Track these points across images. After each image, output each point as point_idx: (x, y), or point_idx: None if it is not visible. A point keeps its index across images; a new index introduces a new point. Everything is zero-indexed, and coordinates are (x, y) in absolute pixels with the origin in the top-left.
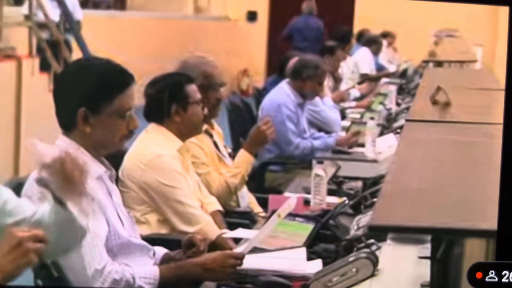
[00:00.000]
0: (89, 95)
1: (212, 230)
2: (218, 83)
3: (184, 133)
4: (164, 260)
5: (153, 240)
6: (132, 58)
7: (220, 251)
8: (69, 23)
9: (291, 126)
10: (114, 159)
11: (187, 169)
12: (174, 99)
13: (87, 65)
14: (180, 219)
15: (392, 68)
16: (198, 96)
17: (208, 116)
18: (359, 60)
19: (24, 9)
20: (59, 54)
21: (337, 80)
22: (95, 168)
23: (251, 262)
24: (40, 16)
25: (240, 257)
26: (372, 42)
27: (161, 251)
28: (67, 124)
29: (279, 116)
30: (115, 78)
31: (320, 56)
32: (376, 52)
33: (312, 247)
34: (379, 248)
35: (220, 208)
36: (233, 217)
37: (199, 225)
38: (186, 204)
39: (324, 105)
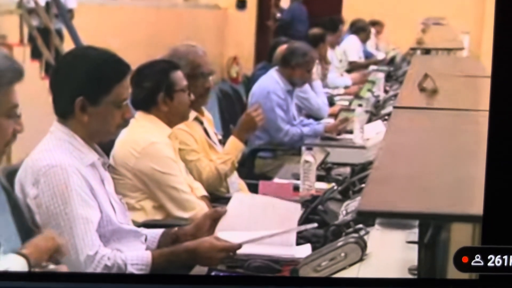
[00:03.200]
0: (87, 85)
1: None
2: (207, 72)
3: (172, 120)
4: (163, 237)
5: (149, 226)
6: (123, 46)
7: (213, 237)
8: (59, 11)
9: (280, 113)
10: (103, 146)
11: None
12: (160, 88)
13: (84, 54)
14: (175, 205)
15: (380, 56)
16: (184, 83)
17: (197, 104)
18: (347, 48)
19: None
20: (50, 42)
21: (326, 64)
22: (88, 155)
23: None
24: (31, 4)
25: (233, 249)
26: (361, 30)
27: (157, 231)
28: (64, 113)
29: (268, 103)
30: (112, 68)
31: (314, 45)
32: (364, 39)
33: (301, 232)
34: (367, 233)
35: (205, 193)
36: (223, 203)
37: (194, 211)
38: (181, 190)
39: (314, 90)
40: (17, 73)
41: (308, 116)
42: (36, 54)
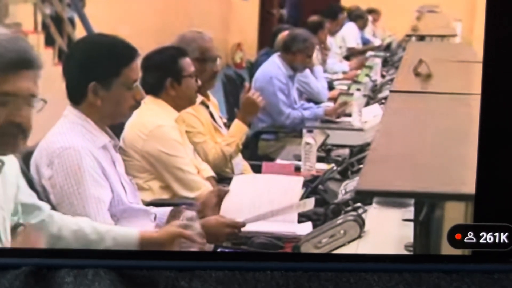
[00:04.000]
0: (98, 70)
1: None
2: (214, 56)
3: (179, 104)
4: (171, 216)
5: (156, 205)
6: (132, 33)
7: (218, 216)
8: (71, 0)
9: (282, 97)
10: (114, 129)
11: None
12: (168, 73)
13: (94, 40)
14: (181, 185)
15: (377, 42)
16: (192, 69)
17: (204, 88)
18: (346, 35)
19: None
20: (63, 30)
21: (326, 50)
22: (100, 138)
23: (246, 225)
24: None
25: (238, 226)
26: (358, 17)
27: (166, 210)
28: (77, 97)
29: (271, 88)
30: (120, 52)
31: (314, 32)
32: (362, 27)
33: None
34: (365, 211)
35: (213, 174)
36: (228, 183)
37: (199, 191)
38: (186, 171)
39: (314, 75)
40: (22, 60)
41: (309, 100)
42: (49, 41)
